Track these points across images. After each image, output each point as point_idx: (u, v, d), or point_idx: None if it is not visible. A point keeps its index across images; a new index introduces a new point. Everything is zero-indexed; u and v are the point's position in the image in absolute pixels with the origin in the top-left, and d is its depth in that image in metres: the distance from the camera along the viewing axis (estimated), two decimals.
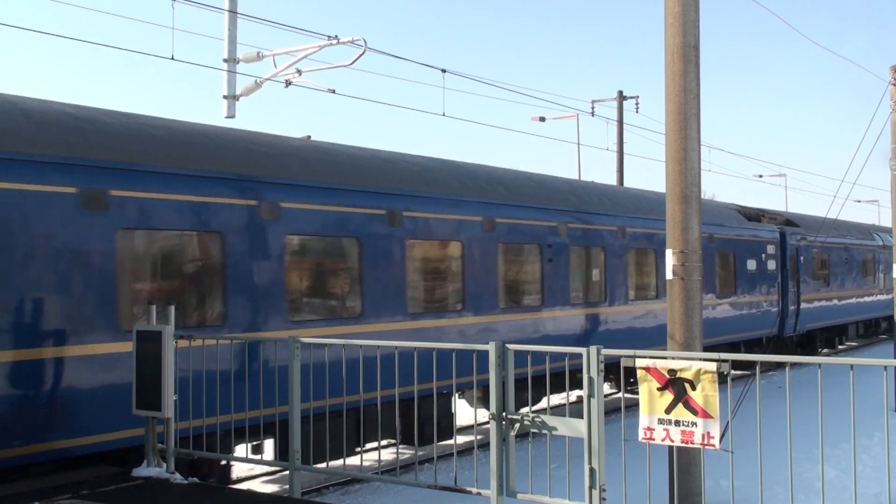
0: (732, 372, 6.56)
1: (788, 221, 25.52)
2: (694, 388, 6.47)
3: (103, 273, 8.82)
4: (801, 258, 24.98)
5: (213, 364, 9.30)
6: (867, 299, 30.68)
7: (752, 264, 22.08)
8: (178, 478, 8.66)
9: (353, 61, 14.88)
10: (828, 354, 28.34)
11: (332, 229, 11.19)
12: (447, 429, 11.89)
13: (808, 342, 26.54)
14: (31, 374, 8.26)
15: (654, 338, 15.13)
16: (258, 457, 10.06)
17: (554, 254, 14.77)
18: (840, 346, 29.99)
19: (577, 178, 26.41)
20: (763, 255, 22.74)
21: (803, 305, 24.92)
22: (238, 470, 12.02)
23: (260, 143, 10.98)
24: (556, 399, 16.78)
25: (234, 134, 11.05)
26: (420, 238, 12.25)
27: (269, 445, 10.37)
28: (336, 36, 14.74)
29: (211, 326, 9.72)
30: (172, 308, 8.82)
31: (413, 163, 13.21)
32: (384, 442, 12.42)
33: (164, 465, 8.82)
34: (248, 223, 10.11)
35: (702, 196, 9.78)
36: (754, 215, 23.98)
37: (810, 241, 24.92)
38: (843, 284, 28.35)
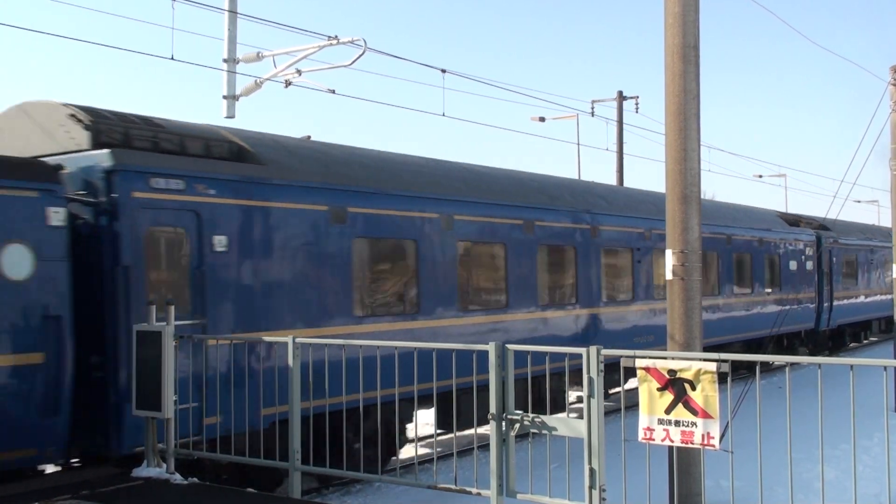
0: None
1: (822, 226, 26.96)
2: (694, 389, 6.47)
3: (343, 271, 11.34)
4: (834, 259, 27.41)
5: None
6: (889, 297, 32.77)
7: (793, 265, 24.39)
8: (177, 478, 8.66)
9: (353, 61, 14.88)
10: (854, 348, 30.40)
11: (487, 236, 13.80)
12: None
13: (839, 336, 28.79)
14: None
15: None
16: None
17: (642, 255, 17.69)
18: (864, 341, 32.00)
19: (577, 178, 26.51)
20: (802, 257, 24.95)
21: (835, 302, 27.18)
22: None
23: (438, 168, 14.04)
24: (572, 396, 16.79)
25: (422, 160, 14.10)
26: (547, 243, 15.01)
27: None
28: (336, 36, 14.73)
29: (409, 314, 12.34)
30: (172, 308, 8.83)
31: (544, 182, 16.24)
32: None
33: (164, 465, 8.83)
34: (433, 232, 12.74)
35: (702, 196, 9.78)
36: (793, 220, 26.15)
37: (842, 243, 27.77)
38: (868, 283, 30.72)
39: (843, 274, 28.21)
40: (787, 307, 23.01)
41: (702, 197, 9.72)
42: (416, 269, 12.40)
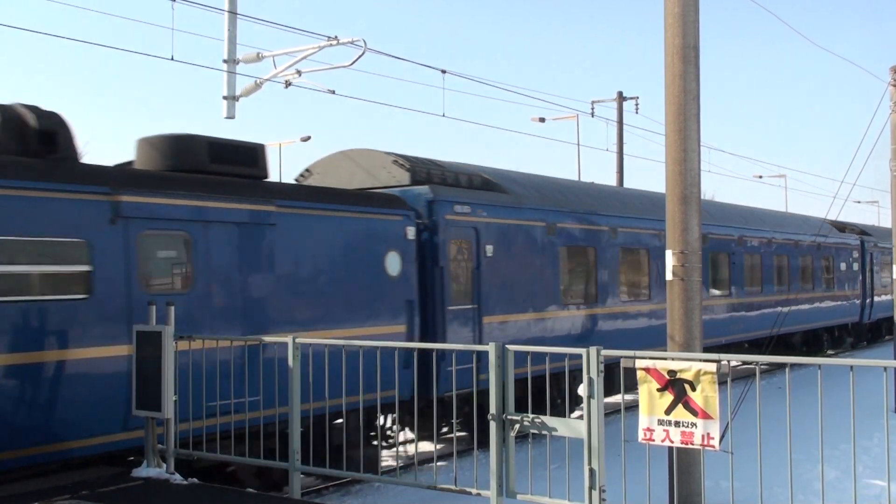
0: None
1: (863, 231, 32.31)
2: (694, 389, 6.47)
3: (554, 270, 15.32)
4: (874, 261, 31.88)
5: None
6: None
7: (843, 266, 29.01)
8: (177, 478, 8.66)
9: (353, 62, 14.88)
10: (890, 340, 31.90)
11: (633, 242, 17.75)
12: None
13: (877, 329, 33.23)
14: (530, 327, 14.72)
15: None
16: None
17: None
18: None
19: (577, 178, 26.62)
20: (850, 259, 29.64)
21: (875, 299, 31.59)
22: None
23: (602, 191, 18.89)
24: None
25: (587, 186, 19.41)
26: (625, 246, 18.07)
27: None
28: (336, 36, 14.73)
29: (591, 303, 16.32)
30: (172, 309, 8.83)
31: (625, 193, 20.57)
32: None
33: (164, 465, 8.83)
34: (605, 240, 16.76)
35: (701, 197, 9.78)
36: (841, 227, 29.96)
37: (879, 246, 32.08)
38: None
39: (881, 274, 32.43)
40: (839, 303, 28.27)
41: (717, 200, 9.79)
42: (595, 268, 16.57)
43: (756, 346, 21.90)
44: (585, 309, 16.12)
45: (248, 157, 11.27)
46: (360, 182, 13.68)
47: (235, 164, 11.04)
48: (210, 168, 10.69)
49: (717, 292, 20.85)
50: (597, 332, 16.15)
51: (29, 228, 8.57)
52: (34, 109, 9.31)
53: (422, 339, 12.44)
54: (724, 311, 21.09)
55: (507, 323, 14.04)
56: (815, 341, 27.86)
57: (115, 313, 9.11)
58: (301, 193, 11.80)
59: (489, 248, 13.80)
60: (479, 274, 13.57)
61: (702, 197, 9.85)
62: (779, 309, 21.61)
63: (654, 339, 14.02)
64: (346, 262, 11.68)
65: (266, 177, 11.47)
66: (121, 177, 9.63)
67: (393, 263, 12.26)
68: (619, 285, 17.13)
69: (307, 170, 14.53)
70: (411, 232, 12.58)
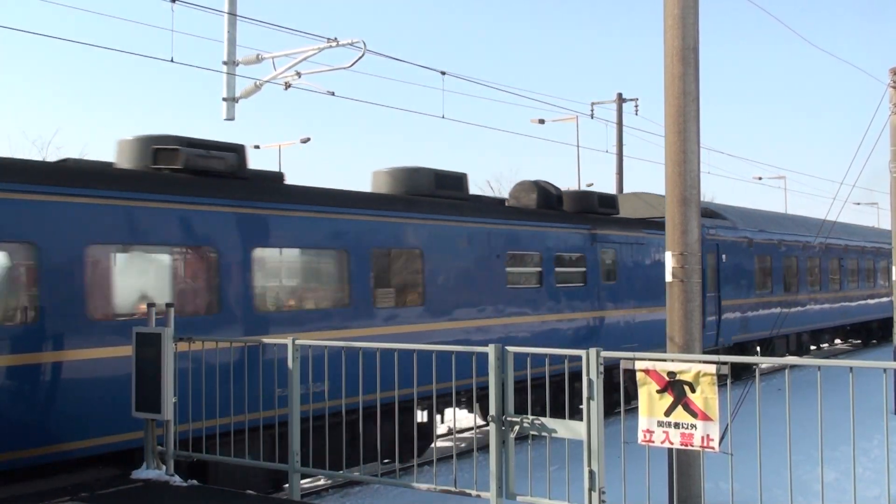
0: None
1: None
2: (693, 391, 6.47)
3: (751, 274, 22.81)
4: None
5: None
6: None
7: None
8: (177, 480, 8.66)
9: (353, 63, 14.88)
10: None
11: (790, 250, 25.41)
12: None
13: None
14: (745, 306, 22.40)
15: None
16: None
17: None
18: None
19: (577, 179, 26.69)
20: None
21: None
22: None
23: (778, 216, 26.91)
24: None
25: (777, 214, 27.60)
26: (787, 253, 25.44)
27: None
28: (335, 38, 14.73)
29: (774, 303, 23.47)
30: (172, 310, 8.83)
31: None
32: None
33: (164, 467, 8.82)
34: (777, 249, 24.28)
35: (701, 198, 9.79)
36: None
37: None
38: None
39: None
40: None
41: (710, 201, 9.82)
42: (772, 271, 24.18)
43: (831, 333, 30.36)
44: (772, 296, 23.99)
45: (458, 183, 14.29)
46: (644, 213, 20.81)
47: (452, 188, 14.04)
48: (437, 192, 13.74)
49: (766, 290, 25.20)
50: (791, 305, 24.21)
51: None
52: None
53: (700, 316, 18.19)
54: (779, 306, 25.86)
55: (734, 304, 21.73)
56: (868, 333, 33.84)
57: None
58: (630, 223, 18.40)
59: (724, 256, 21.23)
60: (718, 272, 20.85)
61: (702, 198, 9.85)
62: (843, 304, 29.67)
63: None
64: (652, 267, 18.12)
65: (468, 199, 14.44)
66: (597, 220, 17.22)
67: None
68: (785, 279, 25.08)
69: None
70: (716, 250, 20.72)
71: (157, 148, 10.50)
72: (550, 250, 15.56)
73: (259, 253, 10.85)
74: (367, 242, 12.08)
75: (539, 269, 15.34)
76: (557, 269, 15.68)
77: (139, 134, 10.85)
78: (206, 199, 10.29)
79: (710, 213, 22.03)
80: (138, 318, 9.40)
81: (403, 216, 12.72)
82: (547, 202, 16.35)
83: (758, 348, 22.01)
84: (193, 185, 10.29)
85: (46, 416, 8.67)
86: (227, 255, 10.39)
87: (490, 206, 15.20)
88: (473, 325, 13.68)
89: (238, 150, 11.25)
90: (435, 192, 13.64)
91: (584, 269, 16.47)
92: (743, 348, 22.04)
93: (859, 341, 34.20)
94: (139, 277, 10.03)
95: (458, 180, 14.30)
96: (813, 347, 28.65)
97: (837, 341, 33.45)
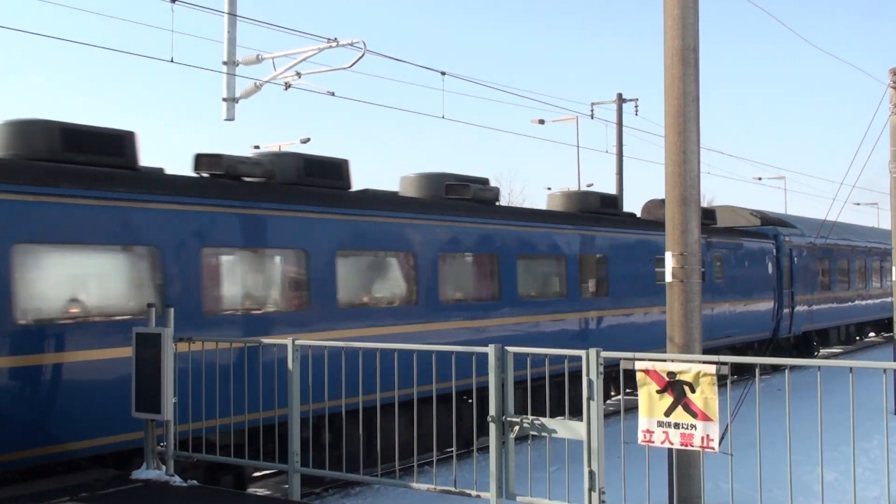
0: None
1: None
2: (693, 391, 6.47)
3: (816, 269, 27.24)
4: None
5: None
6: None
7: None
8: (177, 480, 8.66)
9: (353, 64, 14.89)
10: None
11: (841, 253, 29.87)
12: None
13: None
14: (816, 301, 27.69)
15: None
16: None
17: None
18: None
19: (577, 180, 26.91)
20: None
21: None
22: None
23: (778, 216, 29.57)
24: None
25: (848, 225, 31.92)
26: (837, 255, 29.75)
27: None
28: (335, 38, 14.74)
29: (833, 288, 28.76)
30: (172, 310, 8.83)
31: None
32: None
33: (164, 467, 8.82)
34: (803, 251, 26.31)
35: (701, 198, 9.79)
36: None
37: None
38: None
39: None
40: None
41: (715, 202, 9.88)
42: (830, 272, 28.57)
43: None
44: (830, 292, 28.36)
45: (614, 202, 19.45)
46: (732, 222, 25.79)
47: (611, 206, 18.85)
48: (603, 211, 18.28)
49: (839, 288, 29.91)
50: (844, 301, 29.75)
51: None
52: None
53: (779, 308, 24.73)
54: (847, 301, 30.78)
55: (803, 299, 25.82)
56: None
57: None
58: (732, 232, 23.70)
59: (795, 259, 25.58)
60: (792, 273, 25.22)
61: (702, 199, 9.85)
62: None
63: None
64: (753, 266, 23.70)
65: (633, 217, 20.37)
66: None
67: (768, 266, 24.39)
68: (840, 278, 29.49)
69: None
70: (773, 250, 24.77)
71: (450, 184, 14.63)
72: None
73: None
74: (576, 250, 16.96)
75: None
76: None
77: (430, 171, 14.83)
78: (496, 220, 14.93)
79: (783, 222, 27.15)
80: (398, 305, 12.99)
81: (592, 230, 17.49)
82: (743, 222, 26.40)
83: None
84: (481, 209, 14.62)
85: None
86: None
87: (644, 222, 20.04)
88: (642, 311, 18.75)
89: (485, 182, 15.46)
90: (601, 210, 18.39)
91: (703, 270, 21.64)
92: (808, 337, 27.49)
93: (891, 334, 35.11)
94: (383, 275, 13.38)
95: (614, 200, 19.56)
96: (857, 338, 33.32)
97: (871, 334, 35.23)
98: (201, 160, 11.14)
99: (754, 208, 27.84)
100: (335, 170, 12.61)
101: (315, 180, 12.19)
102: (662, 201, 17.09)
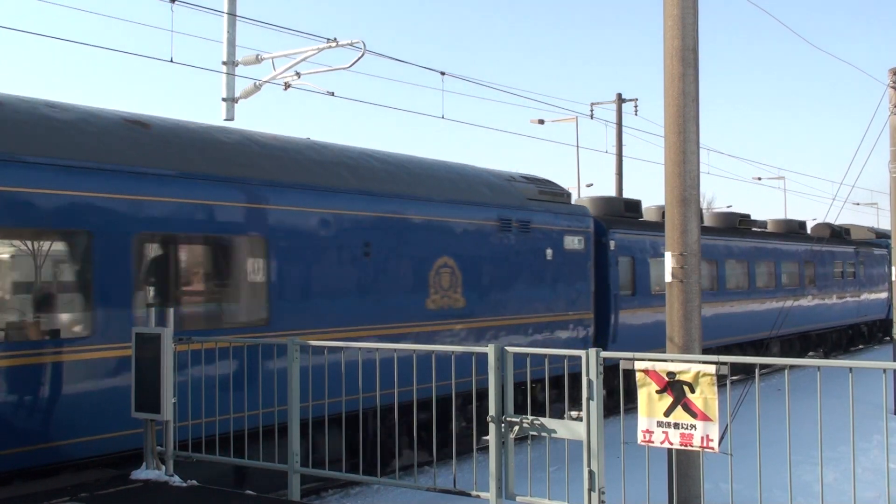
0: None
1: None
2: (693, 391, 6.47)
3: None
4: None
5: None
6: None
7: None
8: (177, 480, 8.65)
9: (352, 64, 14.87)
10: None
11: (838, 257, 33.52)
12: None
13: None
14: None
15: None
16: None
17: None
18: None
19: (576, 180, 26.93)
20: None
21: None
22: None
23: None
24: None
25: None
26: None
27: None
28: (335, 38, 14.72)
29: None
30: (172, 311, 8.83)
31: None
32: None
33: (164, 467, 8.82)
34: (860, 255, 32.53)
35: (700, 198, 9.79)
36: None
37: None
38: None
39: None
40: None
41: (715, 203, 9.81)
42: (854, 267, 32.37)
43: None
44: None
45: (637, 207, 20.56)
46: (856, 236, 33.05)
47: (633, 211, 20.13)
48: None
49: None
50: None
51: None
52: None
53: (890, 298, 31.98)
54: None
55: None
56: None
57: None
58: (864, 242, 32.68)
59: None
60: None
61: (701, 199, 9.86)
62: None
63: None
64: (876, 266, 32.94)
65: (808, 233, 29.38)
66: None
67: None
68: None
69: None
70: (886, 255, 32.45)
71: (741, 219, 23.68)
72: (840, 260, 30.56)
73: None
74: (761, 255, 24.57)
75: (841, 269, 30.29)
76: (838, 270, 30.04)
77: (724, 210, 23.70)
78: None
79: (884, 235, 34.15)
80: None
81: (792, 243, 26.64)
82: (834, 234, 30.53)
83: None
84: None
85: None
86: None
87: (823, 238, 28.80)
88: (833, 300, 29.24)
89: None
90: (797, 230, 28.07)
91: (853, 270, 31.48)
92: None
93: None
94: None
95: (637, 206, 20.34)
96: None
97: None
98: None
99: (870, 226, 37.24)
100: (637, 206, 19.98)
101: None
102: (827, 225, 25.90)
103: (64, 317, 8.98)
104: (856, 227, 35.17)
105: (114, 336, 8.97)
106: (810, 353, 28.58)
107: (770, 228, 27.19)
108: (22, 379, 8.23)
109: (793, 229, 27.72)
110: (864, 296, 32.28)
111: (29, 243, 8.81)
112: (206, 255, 10.44)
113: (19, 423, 8.31)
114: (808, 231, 29.86)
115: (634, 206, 20.25)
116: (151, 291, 9.64)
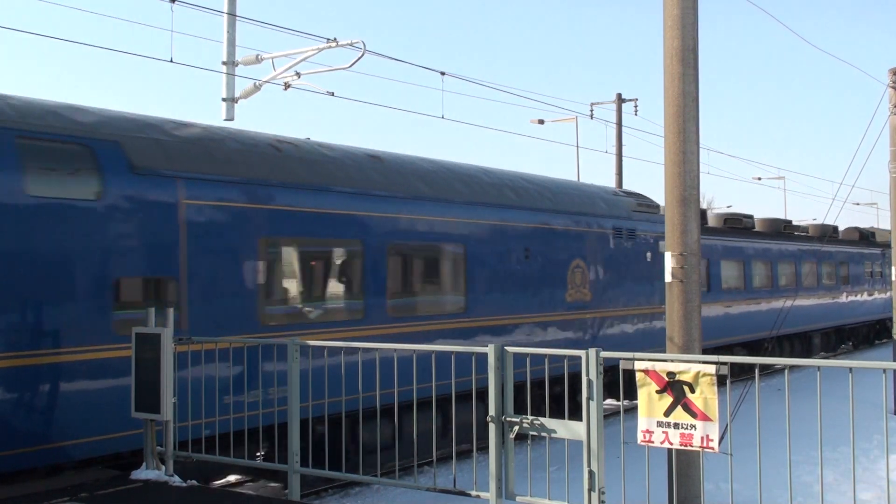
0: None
1: None
2: (693, 391, 6.47)
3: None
4: None
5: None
6: None
7: None
8: (176, 480, 8.65)
9: (352, 64, 14.88)
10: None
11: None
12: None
13: None
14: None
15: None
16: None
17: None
18: None
19: (576, 180, 27.08)
20: None
21: None
22: None
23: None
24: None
25: None
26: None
27: None
28: (335, 38, 14.73)
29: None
30: (171, 311, 8.83)
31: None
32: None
33: (163, 467, 8.82)
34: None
35: (700, 199, 9.79)
36: None
37: None
38: None
39: None
40: None
41: (715, 203, 9.89)
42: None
43: None
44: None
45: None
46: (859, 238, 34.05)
47: None
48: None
49: None
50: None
51: None
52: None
53: None
54: None
55: None
56: None
57: None
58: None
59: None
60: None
61: (701, 199, 9.86)
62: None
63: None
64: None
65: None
66: None
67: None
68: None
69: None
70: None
71: (786, 225, 26.81)
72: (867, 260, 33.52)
73: None
74: None
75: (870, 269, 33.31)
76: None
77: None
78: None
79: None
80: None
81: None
82: (862, 237, 33.73)
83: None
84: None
85: None
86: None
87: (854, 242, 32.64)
88: (864, 297, 32.69)
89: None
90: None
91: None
92: None
93: None
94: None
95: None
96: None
97: None
98: None
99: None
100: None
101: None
102: (856, 229, 29.43)
103: (353, 304, 11.92)
104: (880, 231, 36.63)
105: (377, 319, 11.89)
106: (842, 347, 31.83)
107: (811, 233, 29.75)
108: (332, 352, 9.42)
109: (827, 233, 30.06)
110: (890, 293, 35.07)
111: (332, 249, 11.88)
112: (426, 258, 13.24)
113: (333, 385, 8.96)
114: (840, 235, 32.45)
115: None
116: (398, 286, 12.54)
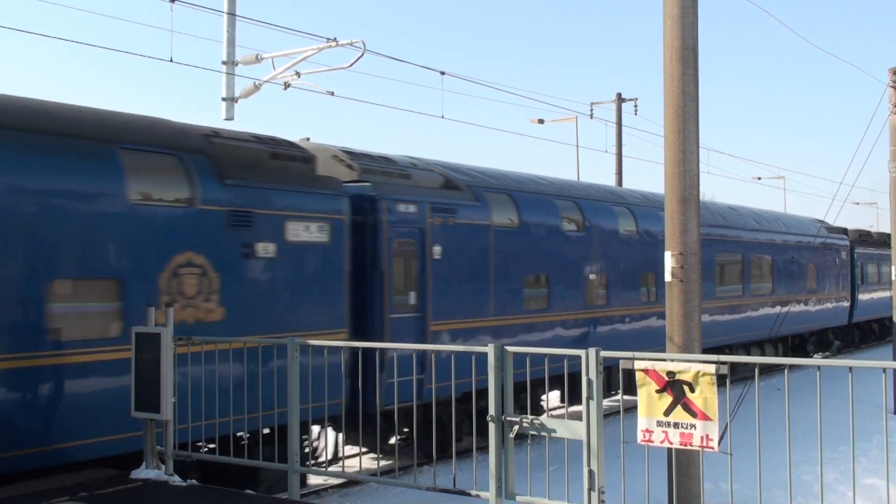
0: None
1: None
2: (693, 391, 6.46)
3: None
4: None
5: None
6: None
7: None
8: (176, 480, 8.65)
9: (352, 63, 14.87)
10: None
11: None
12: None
13: None
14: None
15: None
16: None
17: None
18: None
19: (576, 180, 27.03)
20: None
21: None
22: None
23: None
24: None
25: None
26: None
27: None
28: (335, 38, 14.72)
29: None
30: (171, 310, 8.83)
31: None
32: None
33: (163, 467, 8.81)
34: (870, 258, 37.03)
35: (700, 198, 9.79)
36: None
37: None
38: None
39: None
40: None
41: (715, 202, 9.88)
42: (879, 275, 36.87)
43: None
44: (876, 290, 34.49)
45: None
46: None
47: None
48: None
49: None
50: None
51: None
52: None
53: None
54: None
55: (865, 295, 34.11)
56: None
57: None
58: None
59: (859, 264, 32.40)
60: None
61: (700, 198, 9.85)
62: None
63: None
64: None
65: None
66: None
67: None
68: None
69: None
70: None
71: (862, 234, 34.76)
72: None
73: None
74: None
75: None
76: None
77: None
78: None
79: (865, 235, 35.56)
80: None
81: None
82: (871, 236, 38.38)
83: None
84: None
85: None
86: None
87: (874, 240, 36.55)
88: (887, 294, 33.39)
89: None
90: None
91: None
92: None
93: None
94: None
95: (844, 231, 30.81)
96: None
97: None
98: None
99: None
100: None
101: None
102: (868, 231, 30.71)
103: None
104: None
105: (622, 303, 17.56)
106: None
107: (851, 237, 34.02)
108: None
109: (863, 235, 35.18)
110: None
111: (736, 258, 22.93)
112: (760, 263, 24.24)
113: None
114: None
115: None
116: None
